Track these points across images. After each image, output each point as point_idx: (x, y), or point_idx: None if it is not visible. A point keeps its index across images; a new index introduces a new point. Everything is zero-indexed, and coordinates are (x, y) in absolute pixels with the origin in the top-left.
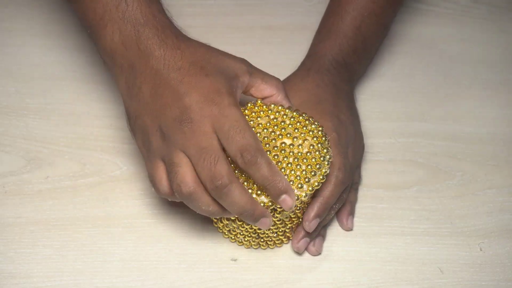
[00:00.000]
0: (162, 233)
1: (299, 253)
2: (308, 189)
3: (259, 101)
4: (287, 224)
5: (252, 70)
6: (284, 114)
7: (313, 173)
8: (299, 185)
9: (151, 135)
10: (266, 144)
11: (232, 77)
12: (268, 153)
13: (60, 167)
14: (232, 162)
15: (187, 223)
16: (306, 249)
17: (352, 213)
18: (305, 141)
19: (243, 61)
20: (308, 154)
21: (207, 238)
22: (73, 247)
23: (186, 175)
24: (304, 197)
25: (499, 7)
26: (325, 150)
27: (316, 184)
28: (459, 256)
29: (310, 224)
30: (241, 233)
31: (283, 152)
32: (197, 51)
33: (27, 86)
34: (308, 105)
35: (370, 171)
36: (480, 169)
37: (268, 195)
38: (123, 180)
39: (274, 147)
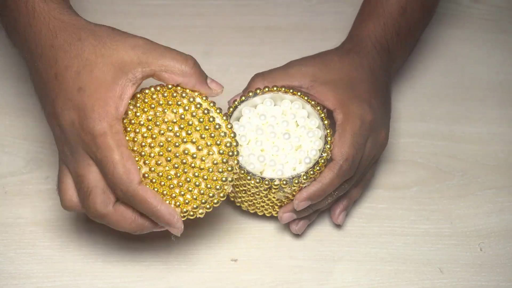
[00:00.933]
0: (162, 233)
1: (280, 222)
2: (199, 212)
3: (169, 86)
4: (283, 202)
5: (148, 58)
6: (195, 111)
7: (211, 195)
8: (194, 206)
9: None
10: (168, 149)
11: (115, 80)
12: (168, 160)
13: None
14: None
15: (187, 224)
16: (289, 225)
17: (347, 208)
18: (209, 155)
19: (137, 47)
20: (210, 170)
21: (207, 238)
22: (73, 248)
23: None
24: (200, 214)
25: (499, 7)
26: (229, 169)
27: (212, 206)
28: (459, 256)
29: (299, 204)
30: (258, 203)
31: (183, 163)
32: (81, 53)
33: (27, 87)
34: (339, 85)
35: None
36: (480, 169)
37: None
38: None
39: (175, 154)
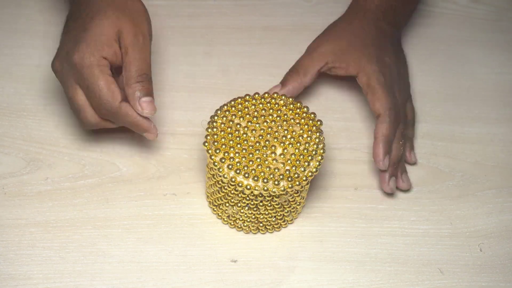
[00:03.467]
0: (161, 234)
1: (392, 193)
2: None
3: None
4: (285, 208)
5: (125, 51)
6: (267, 102)
7: (315, 146)
8: (302, 168)
9: None
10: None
11: (116, 39)
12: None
13: (60, 169)
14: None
15: (187, 224)
16: (398, 186)
17: (412, 147)
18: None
19: (134, 33)
20: (301, 131)
21: (206, 239)
22: (72, 249)
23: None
24: (304, 180)
25: (499, 7)
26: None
27: (322, 152)
28: (459, 257)
29: (383, 161)
30: (241, 218)
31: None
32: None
33: (27, 87)
34: (354, 48)
35: (370, 172)
36: (480, 170)
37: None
38: (122, 181)
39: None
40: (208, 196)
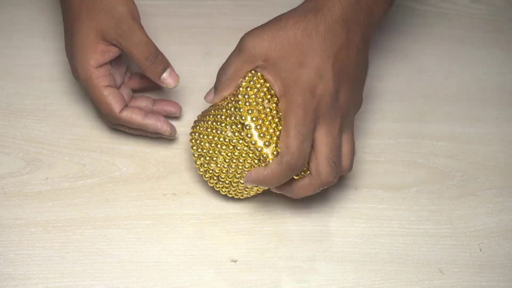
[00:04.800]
0: (161, 234)
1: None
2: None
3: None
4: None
5: (123, 41)
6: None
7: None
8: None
9: None
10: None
11: (99, 39)
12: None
13: (60, 168)
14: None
15: (187, 224)
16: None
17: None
18: None
19: (118, 27)
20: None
21: (206, 239)
22: (72, 249)
23: None
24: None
25: (499, 7)
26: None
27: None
28: (459, 257)
29: (246, 183)
30: (221, 178)
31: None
32: None
33: (27, 87)
34: (288, 63)
35: (370, 172)
36: (480, 170)
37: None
38: (122, 181)
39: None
40: (198, 143)
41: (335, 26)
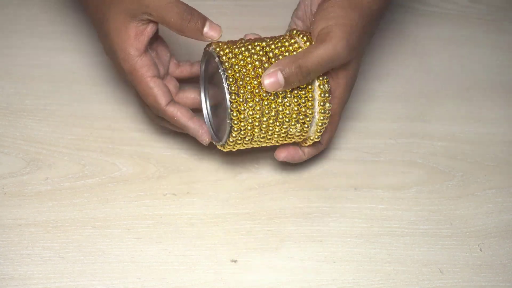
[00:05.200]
0: (161, 234)
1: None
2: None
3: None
4: (302, 106)
5: (152, 12)
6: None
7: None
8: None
9: None
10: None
11: (128, 21)
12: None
13: (60, 169)
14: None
15: (187, 225)
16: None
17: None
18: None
19: (142, 2)
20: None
21: (206, 239)
22: (72, 249)
23: None
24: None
25: (499, 7)
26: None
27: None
28: (459, 257)
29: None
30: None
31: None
32: None
33: (27, 87)
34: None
35: (369, 172)
36: (480, 170)
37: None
38: (122, 181)
39: None
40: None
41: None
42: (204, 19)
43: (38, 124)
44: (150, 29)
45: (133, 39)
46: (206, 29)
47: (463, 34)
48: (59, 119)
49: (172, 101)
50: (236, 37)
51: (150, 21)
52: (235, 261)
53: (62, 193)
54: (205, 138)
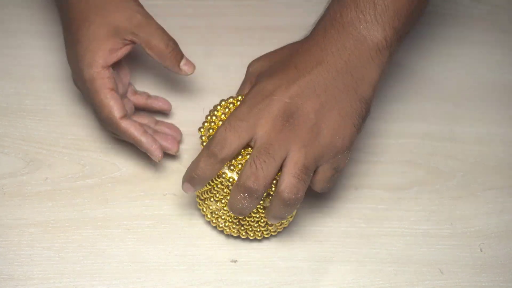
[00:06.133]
0: (161, 234)
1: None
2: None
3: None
4: None
5: (139, 33)
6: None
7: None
8: None
9: None
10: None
11: (111, 35)
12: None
13: (60, 169)
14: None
15: (187, 225)
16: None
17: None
18: None
19: (132, 21)
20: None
21: (206, 239)
22: (72, 249)
23: None
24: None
25: (499, 7)
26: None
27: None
28: (459, 257)
29: (183, 186)
30: (223, 217)
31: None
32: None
33: (26, 87)
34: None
35: (370, 172)
36: (480, 170)
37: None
38: (122, 181)
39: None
40: None
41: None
42: (182, 55)
43: (38, 124)
44: (125, 50)
45: (106, 51)
46: (183, 62)
47: (463, 34)
48: (59, 119)
49: (126, 115)
50: (236, 36)
51: (130, 43)
52: (235, 261)
53: (62, 193)
54: (157, 154)
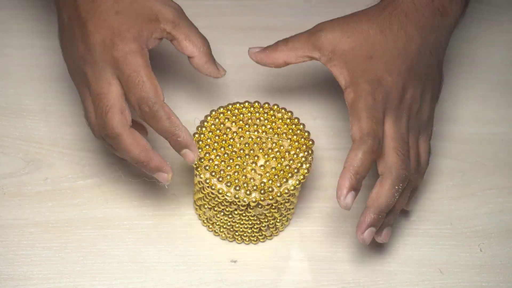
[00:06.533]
0: (161, 234)
1: (365, 244)
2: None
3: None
4: (262, 222)
5: (180, 22)
6: (264, 112)
7: (299, 164)
8: (284, 179)
9: (68, 65)
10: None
11: (149, 20)
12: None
13: (60, 169)
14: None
15: (187, 225)
16: (375, 238)
17: (414, 196)
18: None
19: (174, 8)
20: (290, 147)
21: (206, 239)
22: (72, 249)
23: (91, 121)
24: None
25: (499, 7)
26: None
27: (306, 171)
28: (459, 257)
29: (345, 198)
30: (217, 223)
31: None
32: None
33: (26, 87)
34: (357, 55)
35: (370, 172)
36: (480, 170)
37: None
38: (122, 181)
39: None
40: (194, 194)
41: (408, 27)
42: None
43: (38, 124)
44: (156, 42)
45: (150, 30)
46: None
47: (463, 34)
48: (59, 119)
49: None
50: (236, 36)
51: (163, 34)
52: (235, 261)
53: (62, 193)
54: (170, 176)
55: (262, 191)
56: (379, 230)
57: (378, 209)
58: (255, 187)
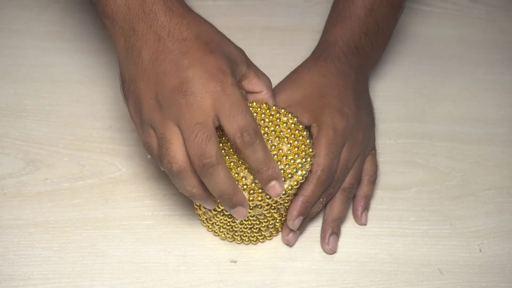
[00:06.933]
0: (161, 235)
1: (289, 245)
2: (292, 183)
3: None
4: (261, 222)
5: (249, 62)
6: (270, 114)
7: (295, 170)
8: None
9: (144, 102)
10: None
11: (233, 61)
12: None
13: (59, 169)
14: (225, 144)
15: (187, 225)
16: (324, 249)
17: (366, 208)
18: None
19: (241, 51)
20: (289, 151)
21: (206, 239)
22: (72, 249)
23: (177, 153)
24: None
25: (498, 7)
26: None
27: (300, 178)
28: (458, 257)
29: (294, 223)
30: (217, 223)
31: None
32: (202, 26)
33: (26, 88)
34: (311, 98)
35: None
36: (480, 170)
37: (258, 180)
38: (122, 181)
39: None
40: None
41: (343, 68)
42: None
43: (38, 124)
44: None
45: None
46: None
47: (463, 34)
48: (59, 119)
49: None
50: (235, 36)
51: (239, 75)
52: (235, 261)
53: (62, 193)
54: (247, 212)
55: (251, 191)
56: (326, 237)
57: (305, 199)
58: (245, 186)
